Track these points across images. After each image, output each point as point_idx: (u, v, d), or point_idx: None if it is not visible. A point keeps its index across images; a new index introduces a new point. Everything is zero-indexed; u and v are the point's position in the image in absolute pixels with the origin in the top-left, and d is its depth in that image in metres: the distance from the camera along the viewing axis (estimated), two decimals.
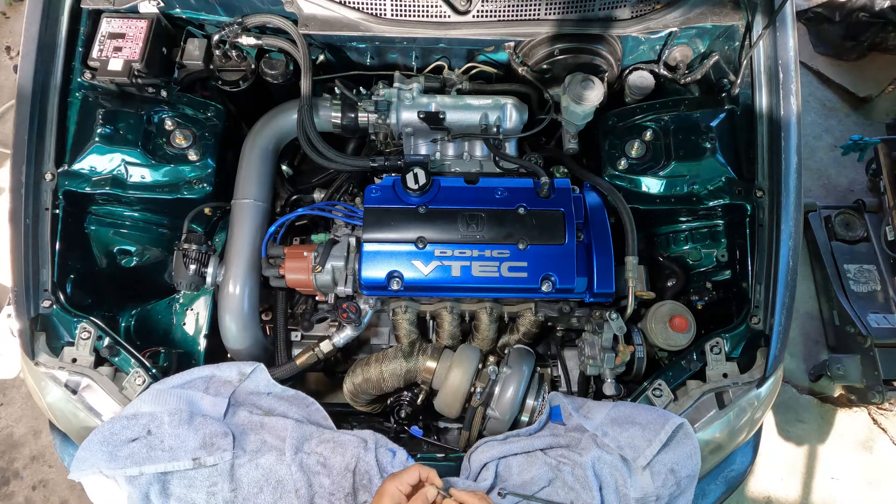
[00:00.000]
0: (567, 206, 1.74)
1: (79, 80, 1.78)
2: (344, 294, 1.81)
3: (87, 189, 1.75)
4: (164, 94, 1.86)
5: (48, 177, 1.71)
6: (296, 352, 1.90)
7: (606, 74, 1.90)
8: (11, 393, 2.74)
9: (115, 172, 1.77)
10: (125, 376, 1.63)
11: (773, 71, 1.75)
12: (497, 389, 1.72)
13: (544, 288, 1.68)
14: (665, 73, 1.96)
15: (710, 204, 1.81)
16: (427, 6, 1.80)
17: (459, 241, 1.70)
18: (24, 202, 1.67)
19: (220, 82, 1.93)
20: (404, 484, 1.27)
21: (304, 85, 1.82)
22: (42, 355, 1.62)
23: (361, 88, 1.96)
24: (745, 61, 1.79)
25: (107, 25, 1.78)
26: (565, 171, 1.96)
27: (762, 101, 1.78)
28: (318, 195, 2.04)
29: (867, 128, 3.50)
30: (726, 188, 1.80)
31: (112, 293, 1.91)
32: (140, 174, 1.79)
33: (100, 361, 1.65)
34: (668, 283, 1.94)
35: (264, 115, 1.96)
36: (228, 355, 1.91)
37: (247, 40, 1.85)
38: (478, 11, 1.81)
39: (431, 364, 1.79)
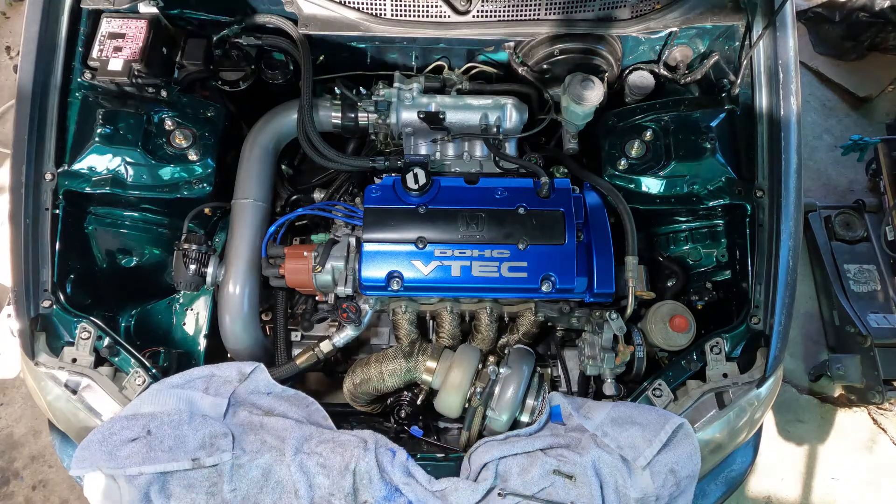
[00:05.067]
0: (567, 206, 1.74)
1: (79, 80, 1.78)
2: (344, 294, 1.81)
3: (87, 189, 1.75)
4: (164, 94, 1.86)
5: (48, 177, 1.71)
6: (296, 352, 1.90)
7: (606, 74, 1.90)
8: (11, 393, 2.74)
9: (115, 172, 1.77)
10: (125, 376, 1.63)
11: (773, 71, 1.75)
12: (497, 389, 1.72)
13: (544, 288, 1.68)
14: (665, 73, 1.96)
15: (710, 204, 1.81)
16: (427, 6, 1.80)
17: (459, 241, 1.70)
18: (24, 202, 1.67)
19: (220, 82, 1.93)
20: None
21: (304, 85, 1.82)
22: (42, 355, 1.62)
23: (361, 88, 1.96)
24: (745, 61, 1.79)
25: (107, 25, 1.78)
26: (565, 171, 1.96)
27: (762, 101, 1.78)
28: (318, 195, 2.04)
29: (867, 128, 3.50)
30: (726, 188, 1.80)
31: (112, 293, 1.91)
32: (140, 174, 1.79)
33: (100, 361, 1.65)
34: (668, 283, 1.94)
35: (264, 115, 1.96)
36: (228, 355, 1.91)
37: (247, 40, 1.85)
38: (478, 11, 1.81)
39: (431, 364, 1.79)
